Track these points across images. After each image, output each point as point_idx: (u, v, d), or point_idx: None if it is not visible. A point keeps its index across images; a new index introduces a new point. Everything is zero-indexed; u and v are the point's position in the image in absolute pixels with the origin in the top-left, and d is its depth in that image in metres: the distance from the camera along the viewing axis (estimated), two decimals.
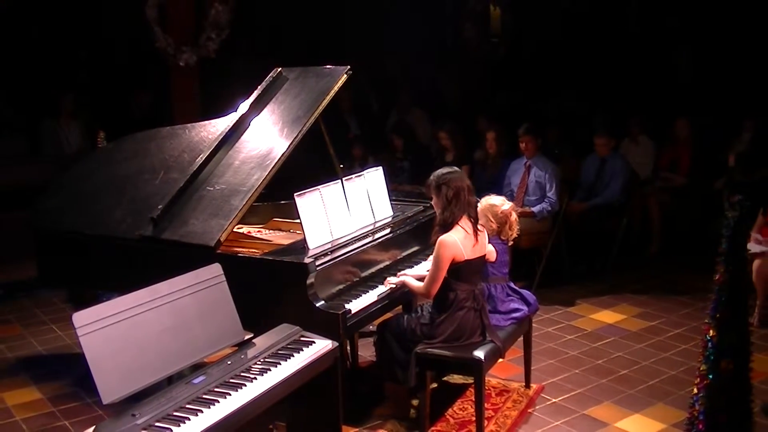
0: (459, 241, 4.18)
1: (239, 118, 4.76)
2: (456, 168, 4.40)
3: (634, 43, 10.93)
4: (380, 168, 5.14)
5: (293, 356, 3.53)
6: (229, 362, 3.42)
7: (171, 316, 3.34)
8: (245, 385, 3.24)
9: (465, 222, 4.25)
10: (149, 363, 3.18)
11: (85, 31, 9.93)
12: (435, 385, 4.90)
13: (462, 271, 4.24)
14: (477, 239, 4.27)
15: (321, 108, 4.65)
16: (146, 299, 3.27)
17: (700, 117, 8.76)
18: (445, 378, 5.05)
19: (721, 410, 3.23)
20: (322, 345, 3.68)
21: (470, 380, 4.73)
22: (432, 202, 4.42)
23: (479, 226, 4.34)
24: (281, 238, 4.78)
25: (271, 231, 5.04)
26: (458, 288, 4.26)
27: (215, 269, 3.63)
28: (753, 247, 5.67)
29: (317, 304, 3.94)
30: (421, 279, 4.39)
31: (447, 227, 4.22)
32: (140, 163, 4.94)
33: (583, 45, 10.93)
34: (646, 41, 10.83)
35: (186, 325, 3.39)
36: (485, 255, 4.42)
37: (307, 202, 4.34)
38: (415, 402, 4.62)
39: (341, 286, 4.30)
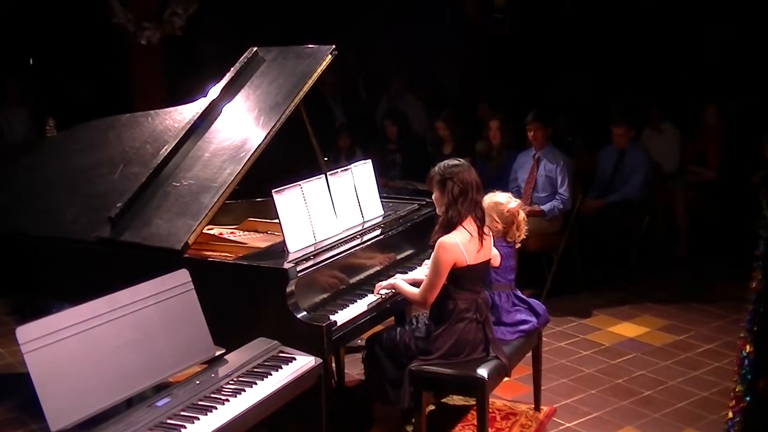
0: (461, 244, 4.16)
1: (209, 104, 4.74)
2: (462, 161, 4.39)
3: (656, 19, 10.93)
4: (369, 161, 5.14)
5: (271, 375, 3.51)
6: (197, 382, 3.40)
7: (131, 329, 3.31)
8: (216, 408, 3.21)
9: (469, 223, 4.23)
10: (106, 383, 3.15)
11: (34, 7, 9.87)
12: (432, 407, 4.90)
13: (463, 277, 4.22)
14: (482, 243, 4.25)
15: (302, 93, 4.63)
16: (103, 310, 3.24)
17: (732, 102, 8.76)
18: (443, 399, 5.04)
19: None
20: (303, 362, 3.66)
21: (472, 401, 4.71)
22: (433, 198, 4.40)
23: (485, 229, 4.32)
24: (257, 241, 4.77)
25: (245, 232, 5.02)
26: (459, 297, 4.24)
27: (182, 276, 3.60)
28: None
29: (298, 315, 3.91)
30: (416, 284, 4.36)
31: (450, 228, 4.21)
32: (97, 155, 4.91)
33: (597, 22, 10.93)
34: (668, 17, 10.83)
35: (149, 340, 3.36)
36: (490, 260, 4.41)
37: (287, 199, 4.32)
38: (409, 427, 4.61)
39: (325, 295, 4.28)
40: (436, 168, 4.33)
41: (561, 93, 10.28)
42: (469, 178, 4.25)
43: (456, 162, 4.33)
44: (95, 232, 4.45)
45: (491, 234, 4.42)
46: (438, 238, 4.20)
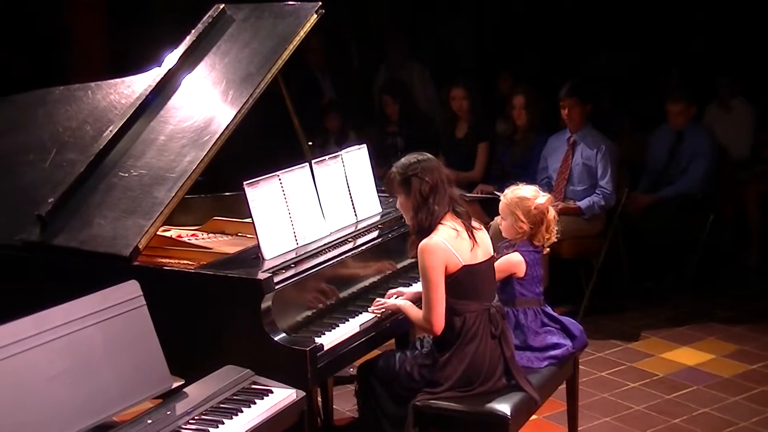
0: (448, 243, 4.18)
1: (165, 74, 4.75)
2: (426, 153, 4.41)
3: None
4: (364, 146, 5.16)
5: (242, 411, 3.51)
6: (149, 421, 3.39)
7: (66, 356, 3.30)
8: None
9: (451, 220, 4.26)
10: (34, 424, 3.14)
11: None
12: None
13: (463, 283, 4.23)
14: (475, 240, 4.27)
15: (281, 61, 4.66)
16: (29, 332, 3.22)
17: None
18: None
19: None
20: (282, 395, 3.67)
21: None
22: (397, 205, 4.44)
23: (475, 223, 4.34)
24: (225, 245, 4.79)
25: (210, 235, 5.04)
26: (464, 309, 4.24)
27: (131, 289, 3.59)
28: None
29: (276, 338, 3.92)
30: None
31: (426, 232, 4.23)
32: (22, 138, 4.93)
33: None
34: None
35: (88, 369, 3.35)
36: (492, 258, 4.41)
37: (262, 194, 4.32)
38: None
39: (310, 313, 4.30)
40: (394, 167, 4.37)
41: (603, 63, 10.26)
42: (438, 173, 4.29)
43: (418, 156, 4.37)
44: (20, 235, 4.45)
45: (483, 228, 4.42)
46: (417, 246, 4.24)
